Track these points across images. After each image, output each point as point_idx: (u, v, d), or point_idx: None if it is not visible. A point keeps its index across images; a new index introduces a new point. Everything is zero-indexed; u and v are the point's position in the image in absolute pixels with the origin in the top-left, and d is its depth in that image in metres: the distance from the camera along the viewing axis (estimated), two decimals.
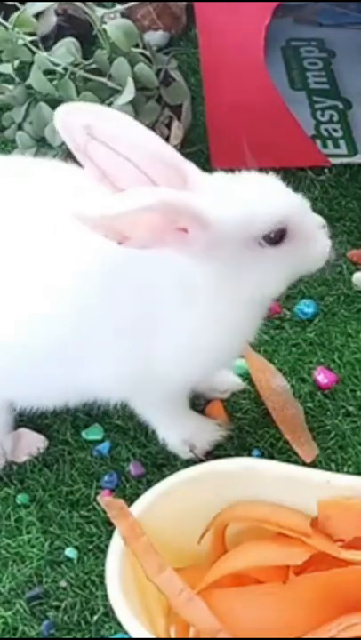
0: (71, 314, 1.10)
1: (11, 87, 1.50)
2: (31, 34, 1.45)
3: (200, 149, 1.54)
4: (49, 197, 1.13)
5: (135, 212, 1.00)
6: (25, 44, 1.44)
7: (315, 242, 1.12)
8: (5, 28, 1.43)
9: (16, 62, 1.48)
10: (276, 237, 1.09)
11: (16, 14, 1.44)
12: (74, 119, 1.05)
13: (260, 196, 1.09)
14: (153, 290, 1.10)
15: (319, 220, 1.13)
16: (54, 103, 1.47)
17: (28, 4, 1.47)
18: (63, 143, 1.43)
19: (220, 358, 1.17)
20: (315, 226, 1.12)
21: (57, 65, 1.44)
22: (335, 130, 1.62)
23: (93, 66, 1.46)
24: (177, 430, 1.23)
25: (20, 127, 1.50)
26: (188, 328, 1.11)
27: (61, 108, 1.05)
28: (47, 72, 1.46)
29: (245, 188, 1.09)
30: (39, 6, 1.47)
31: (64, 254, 1.10)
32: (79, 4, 1.50)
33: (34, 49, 1.44)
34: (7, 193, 1.15)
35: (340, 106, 1.65)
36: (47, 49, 1.47)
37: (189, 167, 1.09)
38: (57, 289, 1.10)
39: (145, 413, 1.22)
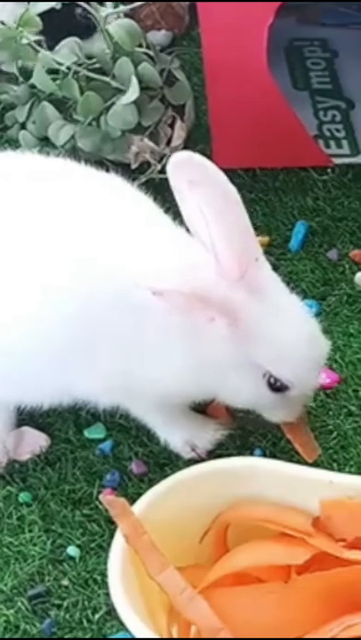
0: (62, 319, 1.11)
1: (15, 87, 1.50)
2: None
3: (202, 149, 1.53)
4: (63, 200, 1.14)
5: (175, 293, 1.06)
6: (29, 44, 1.44)
7: (293, 408, 1.16)
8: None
9: (20, 62, 1.47)
10: (278, 386, 1.12)
11: (20, 13, 1.44)
12: (185, 169, 1.05)
13: (289, 348, 1.11)
14: (148, 320, 1.10)
15: (315, 384, 1.16)
16: (58, 103, 1.48)
17: (32, 3, 1.47)
18: (66, 142, 1.45)
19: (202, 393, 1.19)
20: (307, 395, 1.16)
21: (60, 64, 1.44)
22: (338, 130, 1.62)
23: (96, 65, 1.46)
24: (177, 431, 1.23)
25: (23, 126, 1.50)
26: (168, 365, 1.13)
27: (180, 154, 1.06)
28: (50, 71, 1.46)
29: (287, 331, 1.11)
30: (43, 5, 1.46)
31: (64, 261, 1.11)
32: (82, 3, 1.50)
33: (38, 48, 1.44)
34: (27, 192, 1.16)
35: (343, 106, 1.65)
36: (50, 48, 1.47)
37: (261, 263, 1.10)
38: (53, 293, 1.10)
39: (142, 418, 1.23)
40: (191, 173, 1.05)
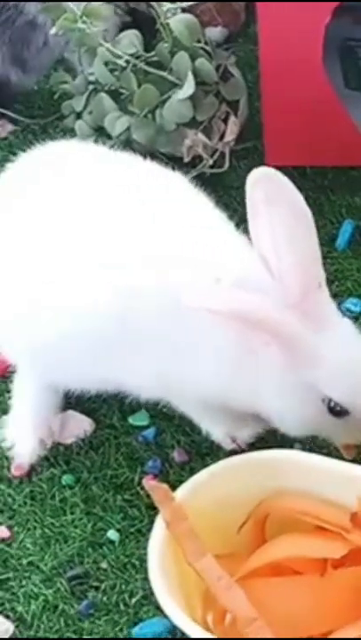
0: (114, 314, 1.12)
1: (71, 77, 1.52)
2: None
3: (254, 145, 1.55)
4: (128, 199, 1.16)
5: (231, 313, 1.05)
6: (93, 33, 1.45)
7: (356, 432, 1.14)
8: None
9: (81, 51, 1.49)
10: (338, 410, 1.11)
11: (84, 3, 1.45)
12: (264, 184, 1.05)
13: (349, 373, 1.10)
14: (201, 332, 1.11)
15: None
16: (114, 94, 1.49)
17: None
18: (122, 133, 1.46)
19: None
20: None
21: (119, 57, 1.46)
22: None
23: (154, 59, 1.47)
24: (219, 424, 1.24)
25: (79, 116, 1.52)
26: (218, 382, 1.13)
27: (261, 170, 1.06)
28: (108, 63, 1.47)
29: (345, 356, 1.10)
30: None
31: (128, 260, 1.12)
32: None
33: (100, 40, 1.46)
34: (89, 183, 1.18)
35: None
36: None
37: (320, 292, 1.09)
38: (112, 289, 1.12)
39: (185, 411, 1.24)
40: (269, 190, 1.05)
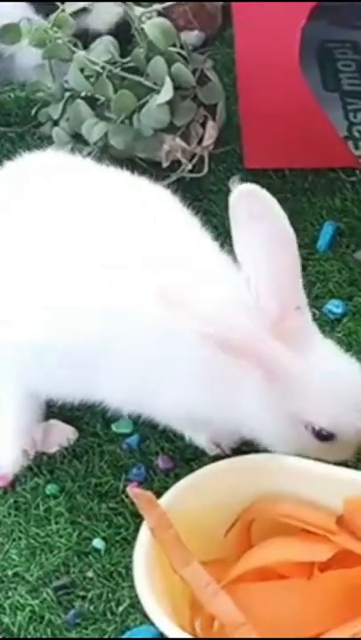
0: (96, 322, 1.12)
1: (49, 84, 1.52)
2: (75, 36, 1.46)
3: (233, 149, 1.55)
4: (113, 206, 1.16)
5: (215, 336, 1.04)
6: (63, 43, 1.45)
7: (346, 451, 1.13)
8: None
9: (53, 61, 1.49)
10: (323, 435, 1.10)
11: (55, 14, 1.45)
12: (249, 203, 1.04)
13: (342, 402, 1.09)
14: (178, 345, 1.10)
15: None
16: (91, 100, 1.49)
17: (67, 3, 1.48)
18: (99, 140, 1.46)
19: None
20: (357, 437, 1.12)
21: (95, 64, 1.46)
22: None
23: (130, 64, 1.47)
24: (202, 432, 1.23)
25: (56, 123, 1.52)
26: (190, 394, 1.12)
27: (246, 186, 1.05)
28: (84, 70, 1.47)
29: (338, 385, 1.09)
30: (78, 5, 1.47)
31: (110, 266, 1.12)
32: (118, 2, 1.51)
33: (72, 48, 1.45)
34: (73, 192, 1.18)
35: None
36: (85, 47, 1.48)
37: (305, 317, 1.09)
38: (88, 286, 1.12)
39: (166, 422, 1.23)
40: (253, 207, 1.04)
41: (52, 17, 1.45)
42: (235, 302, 1.06)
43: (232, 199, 1.05)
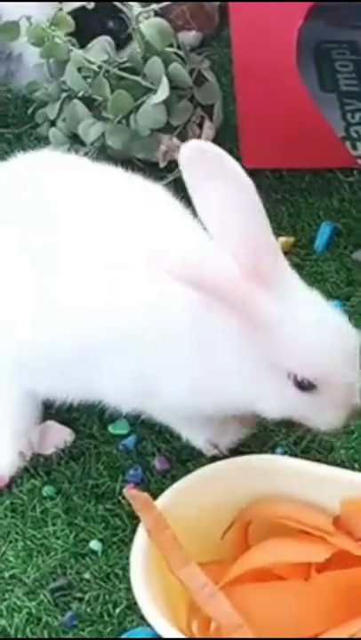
0: (93, 319, 1.12)
1: (46, 85, 1.52)
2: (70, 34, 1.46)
3: (230, 149, 1.52)
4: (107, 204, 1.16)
5: (186, 278, 1.03)
6: (62, 43, 1.45)
7: (334, 409, 1.10)
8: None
9: (51, 60, 1.49)
10: (305, 385, 1.08)
11: (53, 13, 1.45)
12: (200, 161, 1.03)
13: (320, 345, 1.07)
14: (169, 328, 1.10)
15: (347, 380, 1.09)
16: (88, 100, 1.49)
17: (65, 2, 1.48)
18: (96, 140, 1.46)
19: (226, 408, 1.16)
20: (345, 393, 1.10)
21: (92, 63, 1.45)
22: None
23: (127, 64, 1.47)
24: (199, 433, 1.23)
25: (53, 124, 1.52)
26: (191, 376, 1.11)
27: (194, 143, 1.04)
28: (81, 69, 1.47)
29: (315, 326, 1.07)
30: (76, 4, 1.48)
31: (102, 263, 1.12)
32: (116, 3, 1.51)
33: (70, 47, 1.45)
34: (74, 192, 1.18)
35: None
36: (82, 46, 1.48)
37: (280, 262, 1.07)
38: (89, 286, 1.12)
39: (164, 421, 1.23)
40: (206, 166, 1.03)
41: (50, 16, 1.45)
42: (213, 250, 1.06)
43: (182, 162, 1.04)
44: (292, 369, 1.08)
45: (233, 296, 1.05)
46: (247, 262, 1.04)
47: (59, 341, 1.14)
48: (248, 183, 1.04)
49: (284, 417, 1.13)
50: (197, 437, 1.23)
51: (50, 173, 1.22)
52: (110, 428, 1.27)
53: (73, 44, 1.46)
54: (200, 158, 1.03)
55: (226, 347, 1.09)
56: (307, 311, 1.08)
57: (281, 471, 1.11)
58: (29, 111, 1.58)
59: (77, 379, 1.18)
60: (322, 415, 1.11)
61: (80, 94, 1.48)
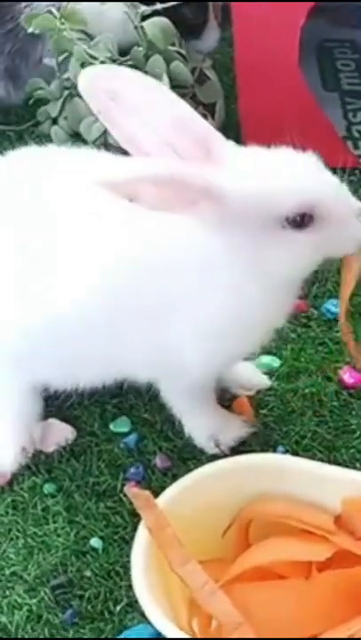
0: (100, 292, 1.11)
1: (46, 84, 1.52)
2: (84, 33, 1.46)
3: None
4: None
5: (139, 180, 1.00)
6: (70, 38, 1.44)
7: (346, 229, 1.07)
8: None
9: (61, 57, 1.49)
10: (301, 221, 1.05)
11: (64, 7, 1.44)
12: (98, 83, 1.04)
13: (284, 175, 1.05)
14: (172, 275, 1.10)
15: (356, 206, 1.08)
16: None
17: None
18: (98, 138, 1.46)
19: (241, 344, 1.15)
20: (348, 212, 1.07)
21: (95, 58, 1.45)
22: None
23: (129, 62, 1.47)
24: (203, 426, 1.24)
25: (54, 122, 1.52)
26: (207, 313, 1.10)
27: (87, 70, 1.05)
28: (85, 64, 1.46)
29: (272, 166, 1.06)
30: None
31: (96, 239, 1.12)
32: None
33: (75, 41, 1.45)
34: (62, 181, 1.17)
35: None
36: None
37: (216, 139, 1.07)
38: (88, 269, 1.12)
39: (173, 406, 1.23)
40: (106, 86, 1.04)
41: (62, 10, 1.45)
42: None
43: (84, 93, 1.05)
44: (280, 211, 1.04)
45: (196, 182, 1.02)
46: (195, 150, 1.04)
47: (73, 320, 1.13)
48: (151, 80, 1.06)
49: (315, 267, 1.11)
50: (200, 432, 1.23)
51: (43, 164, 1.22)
52: (111, 426, 1.28)
53: (80, 39, 1.46)
54: (98, 81, 1.04)
55: (213, 251, 1.07)
56: (267, 162, 1.07)
57: (282, 470, 1.11)
58: (31, 109, 1.58)
59: (88, 356, 1.16)
60: (342, 236, 1.08)
61: None
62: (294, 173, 1.06)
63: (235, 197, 1.04)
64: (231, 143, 1.08)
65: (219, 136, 1.08)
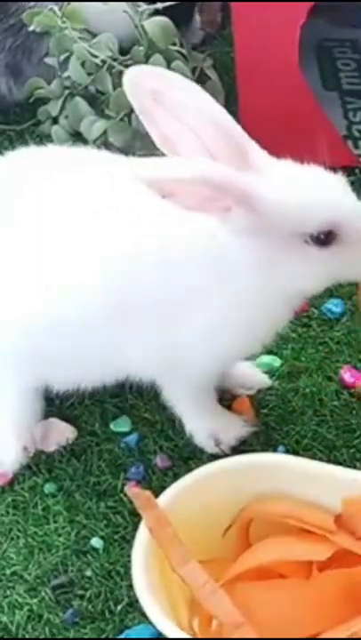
0: (100, 291, 1.12)
1: (47, 83, 1.52)
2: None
3: None
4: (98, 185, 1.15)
5: (184, 180, 1.01)
6: (71, 36, 1.45)
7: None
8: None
9: (62, 57, 1.49)
10: (324, 239, 1.07)
11: (65, 5, 1.44)
12: (143, 82, 1.05)
13: (321, 191, 1.07)
14: (189, 273, 1.10)
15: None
16: (90, 98, 1.49)
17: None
18: (98, 137, 1.46)
19: (245, 345, 1.17)
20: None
21: (95, 57, 1.45)
22: None
23: (130, 62, 1.47)
24: (204, 425, 1.24)
25: (55, 121, 1.52)
26: (215, 311, 1.11)
27: (132, 70, 1.05)
28: (85, 64, 1.47)
29: (307, 180, 1.07)
30: None
31: (101, 233, 1.12)
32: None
33: (76, 40, 1.45)
34: (65, 180, 1.17)
35: None
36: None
37: (253, 147, 1.08)
38: (91, 264, 1.12)
39: (174, 405, 1.23)
40: (150, 86, 1.04)
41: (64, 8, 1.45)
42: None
43: (128, 92, 1.05)
44: (304, 231, 1.06)
45: (233, 186, 1.03)
46: (235, 158, 1.05)
47: (73, 319, 1.13)
48: (194, 86, 1.06)
49: (328, 283, 1.12)
50: (201, 431, 1.23)
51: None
52: (112, 426, 1.28)
53: (81, 38, 1.46)
54: (143, 80, 1.05)
55: (232, 250, 1.08)
56: (296, 178, 1.07)
57: (283, 470, 1.11)
58: (32, 109, 1.58)
59: (101, 355, 1.16)
60: (355, 263, 1.09)
61: (83, 92, 1.48)
62: (330, 190, 1.08)
63: (273, 207, 1.05)
64: (265, 152, 1.09)
65: (255, 144, 1.09)
